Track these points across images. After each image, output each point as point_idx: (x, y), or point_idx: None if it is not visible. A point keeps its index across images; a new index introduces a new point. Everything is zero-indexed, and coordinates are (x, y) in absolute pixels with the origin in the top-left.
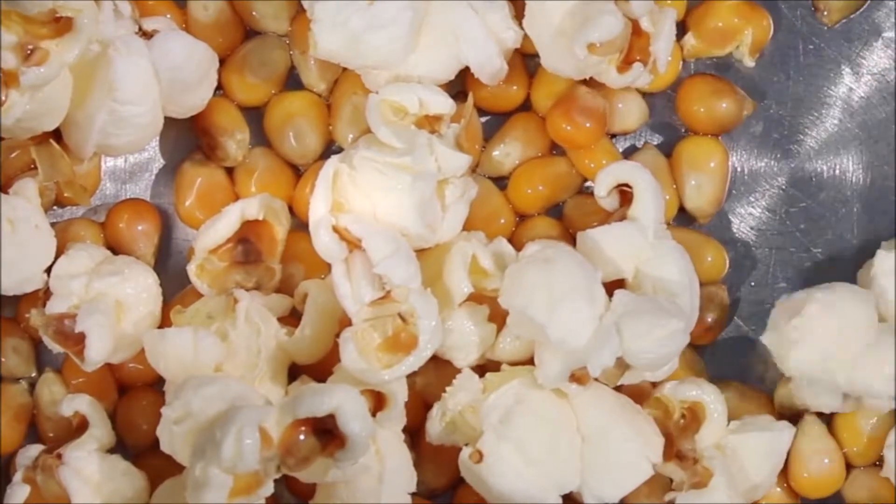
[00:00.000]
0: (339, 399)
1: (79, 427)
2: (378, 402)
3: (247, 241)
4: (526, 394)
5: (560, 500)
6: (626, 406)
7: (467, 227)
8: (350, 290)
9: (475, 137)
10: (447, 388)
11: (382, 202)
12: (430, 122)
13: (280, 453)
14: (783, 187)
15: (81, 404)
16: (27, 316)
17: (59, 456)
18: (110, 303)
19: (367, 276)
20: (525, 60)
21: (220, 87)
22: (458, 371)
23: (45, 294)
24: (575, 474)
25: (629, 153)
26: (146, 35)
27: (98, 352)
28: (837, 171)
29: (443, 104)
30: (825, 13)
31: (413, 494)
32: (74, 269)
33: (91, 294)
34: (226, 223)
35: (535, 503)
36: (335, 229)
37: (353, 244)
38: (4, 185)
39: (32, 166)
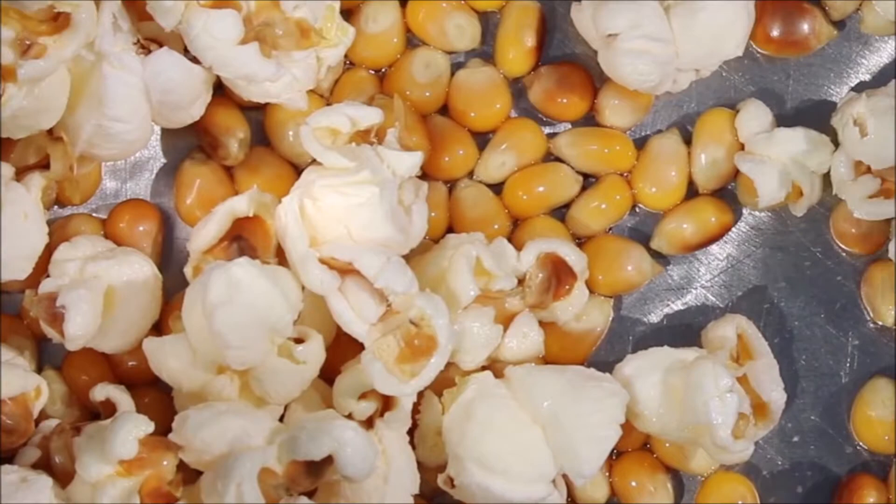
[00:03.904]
0: (336, 442)
1: (106, 415)
2: (385, 403)
3: (240, 239)
4: (474, 407)
5: (552, 487)
6: (571, 380)
7: (462, 230)
8: (353, 315)
9: (415, 131)
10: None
11: (355, 221)
12: (361, 136)
13: (285, 484)
14: None
15: (114, 392)
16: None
17: (78, 429)
18: (100, 285)
19: (367, 295)
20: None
21: (220, 86)
22: (460, 372)
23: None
24: (549, 463)
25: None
26: (143, 48)
27: (78, 326)
28: None
29: (372, 115)
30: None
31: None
32: (73, 255)
33: (84, 277)
34: (216, 223)
35: (525, 501)
36: (321, 261)
37: (343, 270)
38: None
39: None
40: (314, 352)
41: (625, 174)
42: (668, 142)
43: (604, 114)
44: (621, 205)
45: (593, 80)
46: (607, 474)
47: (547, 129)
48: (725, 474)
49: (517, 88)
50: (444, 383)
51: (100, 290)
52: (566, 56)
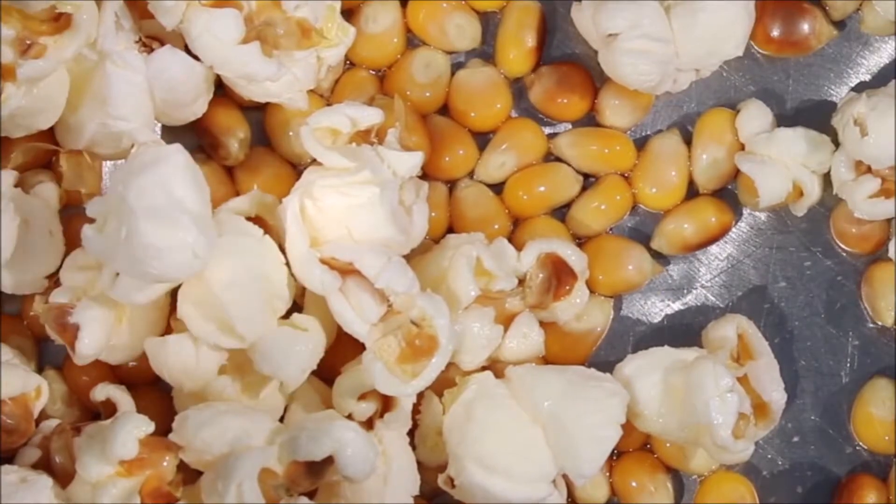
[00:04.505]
0: (336, 443)
1: (106, 416)
2: (385, 404)
3: None
4: (475, 407)
5: (552, 487)
6: (572, 380)
7: (463, 230)
8: (354, 315)
9: (416, 131)
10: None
11: (356, 222)
12: (361, 137)
13: (285, 484)
14: None
15: (115, 392)
16: (31, 313)
17: (79, 429)
18: (112, 301)
19: (367, 295)
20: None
21: (221, 86)
22: (460, 372)
23: (55, 283)
24: (550, 463)
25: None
26: (146, 47)
27: (89, 346)
28: None
29: (372, 116)
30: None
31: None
32: (85, 263)
33: (96, 289)
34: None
35: (525, 501)
36: (322, 262)
37: (344, 270)
38: (17, 181)
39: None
40: (314, 323)
41: (625, 174)
42: (669, 142)
43: (604, 114)
44: (621, 205)
45: (594, 80)
46: (607, 474)
47: (547, 130)
48: (725, 474)
49: (517, 88)
50: (444, 383)
51: (111, 308)
52: (567, 56)
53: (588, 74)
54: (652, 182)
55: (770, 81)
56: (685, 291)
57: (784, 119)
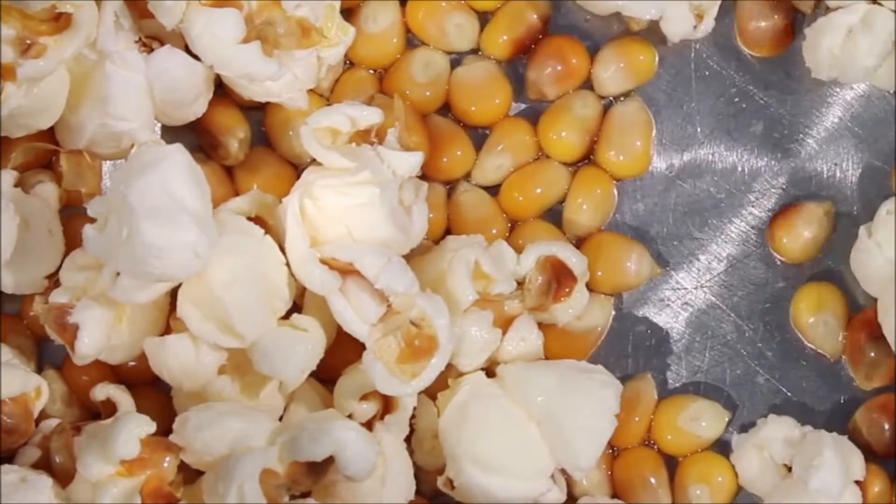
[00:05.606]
0: (337, 443)
1: (106, 415)
2: (386, 405)
3: None
4: (469, 408)
5: (551, 483)
6: (563, 374)
7: (461, 234)
8: (354, 315)
9: (416, 131)
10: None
11: (356, 222)
12: (361, 136)
13: (287, 484)
14: (783, 187)
15: (115, 392)
16: (31, 313)
17: (79, 429)
18: (112, 301)
19: (367, 295)
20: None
21: (221, 86)
22: (457, 373)
23: (54, 283)
24: (547, 458)
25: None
26: (146, 47)
27: (89, 346)
28: (837, 171)
29: (372, 115)
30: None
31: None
32: (85, 263)
33: (96, 289)
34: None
35: (523, 501)
36: (322, 262)
37: (344, 270)
38: (17, 181)
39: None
40: (314, 323)
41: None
42: (631, 108)
43: (600, 81)
44: (605, 197)
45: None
46: (609, 472)
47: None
48: (706, 454)
49: (517, 86)
50: (439, 386)
51: (111, 308)
52: (570, 27)
53: (580, 44)
54: (617, 150)
55: (770, 81)
56: (685, 291)
57: (784, 118)
